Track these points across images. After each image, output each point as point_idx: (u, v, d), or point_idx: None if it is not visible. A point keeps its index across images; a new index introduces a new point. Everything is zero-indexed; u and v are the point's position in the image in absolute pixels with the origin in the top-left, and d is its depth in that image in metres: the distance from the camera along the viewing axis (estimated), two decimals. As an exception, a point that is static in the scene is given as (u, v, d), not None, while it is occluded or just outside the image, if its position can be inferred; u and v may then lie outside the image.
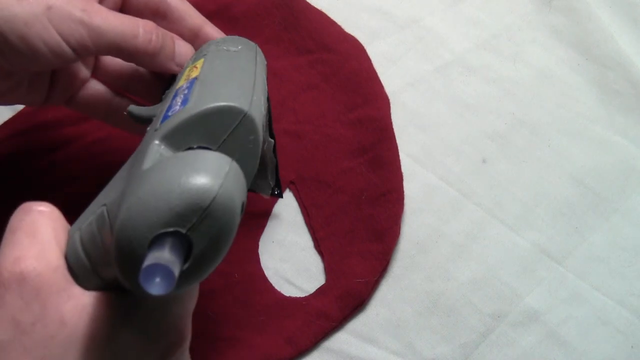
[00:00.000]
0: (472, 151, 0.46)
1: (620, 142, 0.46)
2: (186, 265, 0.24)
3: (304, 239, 0.44)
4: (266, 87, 0.34)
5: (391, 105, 0.46)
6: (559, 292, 0.43)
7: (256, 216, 0.44)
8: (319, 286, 0.43)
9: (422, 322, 0.42)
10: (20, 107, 0.46)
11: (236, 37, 0.36)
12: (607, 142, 0.47)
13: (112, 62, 0.39)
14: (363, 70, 0.47)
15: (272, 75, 0.46)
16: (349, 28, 0.48)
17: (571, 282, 0.43)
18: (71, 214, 0.31)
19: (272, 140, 0.40)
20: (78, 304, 0.26)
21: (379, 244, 0.43)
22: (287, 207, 0.45)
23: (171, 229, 0.23)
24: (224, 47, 0.33)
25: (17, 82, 0.34)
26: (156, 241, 0.23)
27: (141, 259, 0.23)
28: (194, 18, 0.38)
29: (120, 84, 0.39)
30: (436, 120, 0.47)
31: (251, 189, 0.42)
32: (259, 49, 0.35)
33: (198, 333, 0.41)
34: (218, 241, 0.24)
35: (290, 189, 0.45)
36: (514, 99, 0.48)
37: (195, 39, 0.38)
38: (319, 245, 0.43)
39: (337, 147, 0.45)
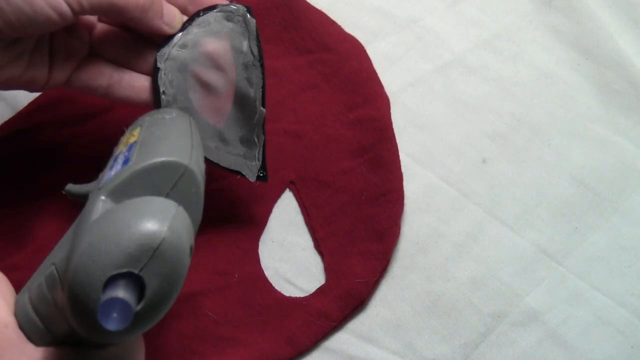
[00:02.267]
0: (472, 151, 0.46)
1: (620, 142, 0.46)
2: (140, 306, 0.24)
3: (304, 239, 0.44)
4: (202, 149, 0.35)
5: (391, 105, 0.46)
6: (559, 292, 0.43)
7: (256, 216, 0.44)
8: (319, 286, 0.43)
9: (422, 322, 0.42)
10: (20, 106, 0.46)
11: (169, 109, 0.37)
12: (607, 142, 0.47)
13: (107, 35, 0.39)
14: (363, 70, 0.47)
15: (272, 75, 0.46)
16: (349, 28, 0.48)
17: (571, 282, 0.43)
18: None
19: (264, 110, 0.39)
20: (32, 359, 0.26)
21: (379, 244, 0.43)
22: (287, 207, 0.45)
23: (124, 270, 0.24)
24: (159, 116, 0.34)
25: (18, 54, 0.35)
26: (110, 283, 0.24)
27: (96, 301, 0.23)
28: None
29: (116, 58, 0.39)
30: (436, 120, 0.47)
31: (238, 172, 0.41)
32: (192, 119, 0.36)
33: (198, 333, 0.41)
34: (169, 281, 0.25)
35: (290, 189, 0.45)
36: (514, 99, 0.48)
37: (189, 3, 0.38)
38: (319, 245, 0.43)
39: (337, 147, 0.45)
